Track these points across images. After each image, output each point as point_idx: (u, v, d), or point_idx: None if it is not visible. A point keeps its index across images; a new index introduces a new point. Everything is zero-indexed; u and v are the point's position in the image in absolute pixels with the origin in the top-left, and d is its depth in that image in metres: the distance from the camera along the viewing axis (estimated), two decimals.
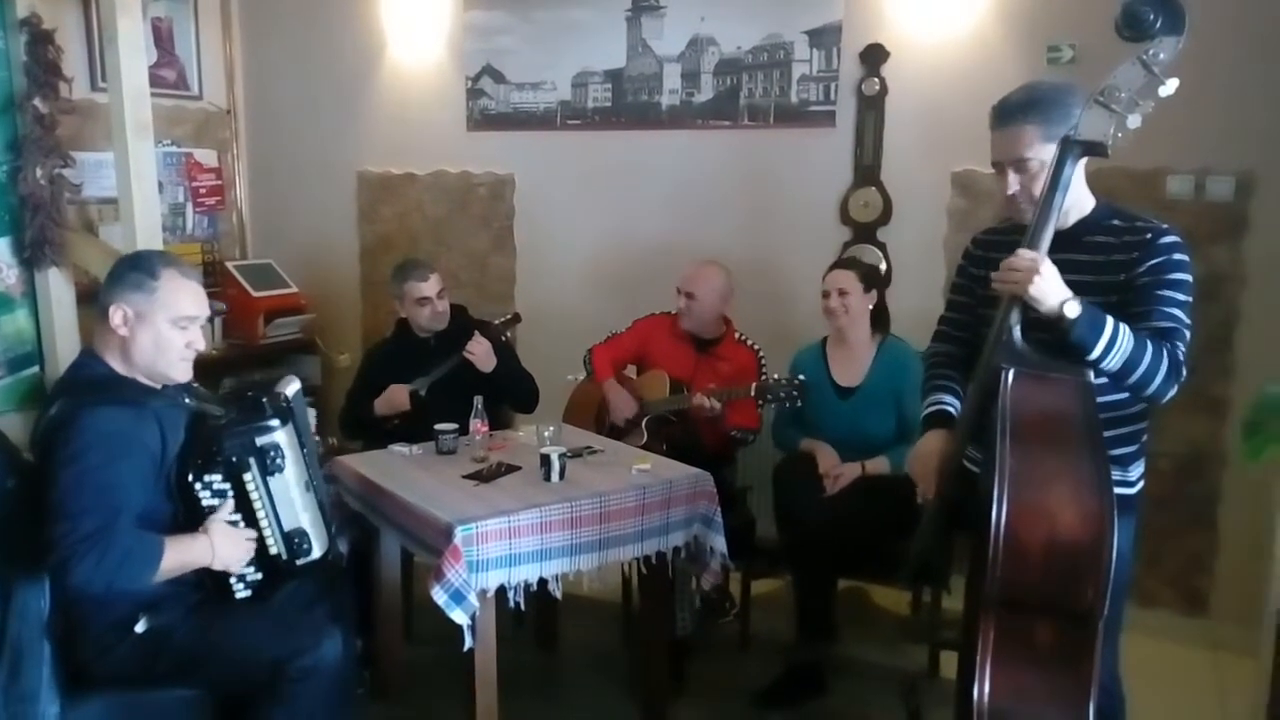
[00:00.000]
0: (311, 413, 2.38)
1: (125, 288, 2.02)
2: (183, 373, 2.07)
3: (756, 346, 3.34)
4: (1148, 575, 3.23)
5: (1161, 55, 1.63)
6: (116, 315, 2.00)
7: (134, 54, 2.98)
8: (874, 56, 3.49)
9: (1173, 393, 1.80)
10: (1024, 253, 1.74)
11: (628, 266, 3.99)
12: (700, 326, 3.31)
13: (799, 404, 3.00)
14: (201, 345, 2.09)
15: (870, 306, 3.07)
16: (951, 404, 2.08)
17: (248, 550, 2.06)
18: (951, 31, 3.35)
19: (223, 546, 2.01)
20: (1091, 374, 1.73)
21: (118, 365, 2.04)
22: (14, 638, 1.90)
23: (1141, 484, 1.98)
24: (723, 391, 3.09)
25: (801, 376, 3.03)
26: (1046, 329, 1.74)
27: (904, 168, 3.52)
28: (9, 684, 1.88)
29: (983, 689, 1.64)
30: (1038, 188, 1.85)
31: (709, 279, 3.28)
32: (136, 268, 2.05)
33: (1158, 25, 1.61)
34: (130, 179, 3.00)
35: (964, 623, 1.95)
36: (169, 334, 2.02)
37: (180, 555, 1.95)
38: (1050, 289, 1.70)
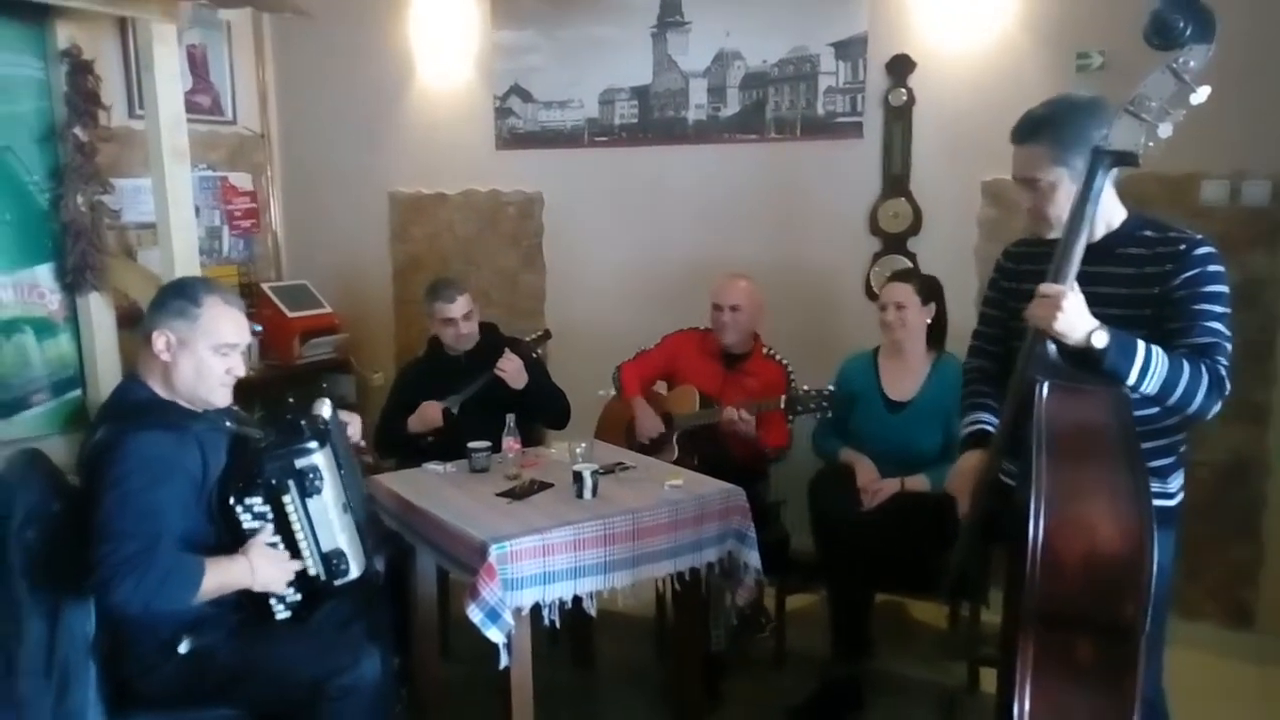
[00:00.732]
0: (355, 422, 2.40)
1: (169, 314, 2.06)
2: (223, 398, 2.11)
3: (785, 361, 3.33)
4: (1190, 587, 3.17)
5: (1192, 63, 1.61)
6: (159, 341, 2.04)
7: (170, 81, 3.05)
8: (900, 67, 3.48)
9: (1216, 409, 1.78)
10: (1048, 287, 1.72)
11: (657, 282, 4.00)
12: (740, 340, 3.31)
13: (829, 414, 2.98)
14: (242, 372, 2.12)
15: (928, 320, 3.02)
16: (990, 422, 2.06)
17: (287, 571, 2.09)
18: (978, 40, 3.34)
19: (263, 568, 2.04)
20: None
21: (160, 390, 2.08)
22: (62, 658, 1.93)
23: (1181, 495, 1.95)
24: (753, 405, 3.09)
25: (832, 387, 3.01)
26: (1081, 358, 1.72)
27: (933, 178, 3.50)
28: (57, 703, 1.91)
29: (1023, 706, 1.62)
30: (1050, 207, 1.85)
31: (749, 291, 3.29)
32: (180, 295, 2.09)
33: (1188, 33, 1.60)
34: (168, 204, 3.06)
35: (1003, 638, 1.93)
36: (210, 360, 2.06)
37: (220, 576, 1.98)
38: (1075, 323, 1.68)
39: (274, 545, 2.09)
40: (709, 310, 3.33)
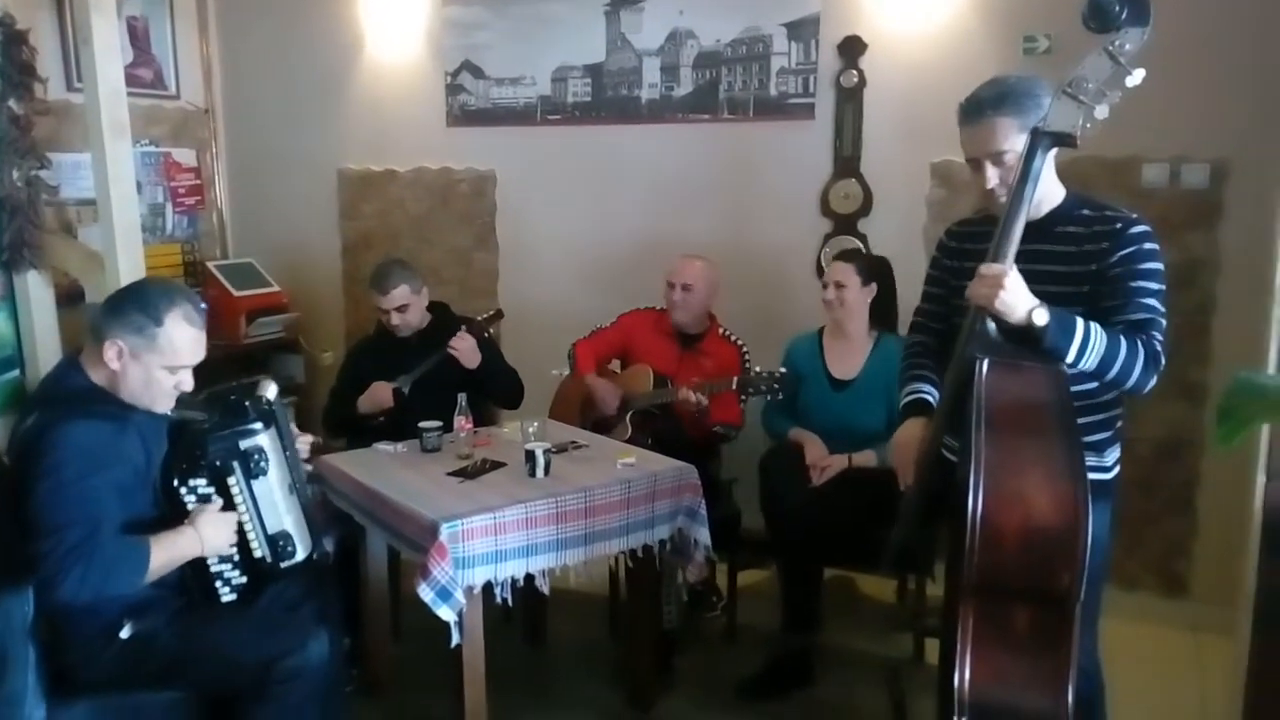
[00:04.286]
0: (305, 440, 2.37)
1: (126, 328, 1.97)
2: (165, 407, 2.05)
3: (740, 342, 3.35)
4: (1128, 559, 3.27)
5: (1127, 46, 1.64)
6: (111, 351, 1.97)
7: (109, 54, 2.97)
8: (852, 49, 3.50)
9: (1152, 383, 1.83)
10: (988, 267, 1.75)
11: (610, 261, 3.99)
12: (691, 320, 3.33)
13: (780, 396, 3.01)
14: (189, 386, 2.06)
15: (869, 300, 3.06)
16: (929, 392, 2.10)
17: (234, 532, 2.06)
18: (928, 23, 3.37)
19: (210, 534, 2.01)
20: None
21: (100, 382, 2.02)
22: None
23: (1118, 469, 2.01)
24: (706, 385, 3.11)
25: (784, 369, 3.04)
26: (1021, 338, 1.75)
27: (883, 159, 3.53)
28: None
29: (963, 675, 1.66)
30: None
31: (703, 271, 3.30)
32: (142, 309, 1.99)
33: (1123, 16, 1.62)
34: (108, 180, 2.99)
35: (944, 610, 1.97)
36: (160, 376, 2.00)
37: (169, 552, 1.95)
38: (1016, 301, 1.71)
39: (210, 506, 2.05)
40: (664, 289, 3.34)
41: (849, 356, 3.10)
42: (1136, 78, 1.63)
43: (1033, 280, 1.74)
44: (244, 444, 2.06)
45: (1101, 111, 1.65)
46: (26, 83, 2.97)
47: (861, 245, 3.57)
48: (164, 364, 2.00)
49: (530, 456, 2.61)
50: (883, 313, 3.11)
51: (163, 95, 4.44)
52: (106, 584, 1.84)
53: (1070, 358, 1.74)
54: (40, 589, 1.86)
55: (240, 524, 2.08)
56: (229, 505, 2.07)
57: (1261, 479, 2.33)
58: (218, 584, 2.08)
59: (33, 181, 3.01)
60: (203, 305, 2.15)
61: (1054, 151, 1.80)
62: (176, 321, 2.00)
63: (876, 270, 3.10)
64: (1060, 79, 1.72)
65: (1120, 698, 2.16)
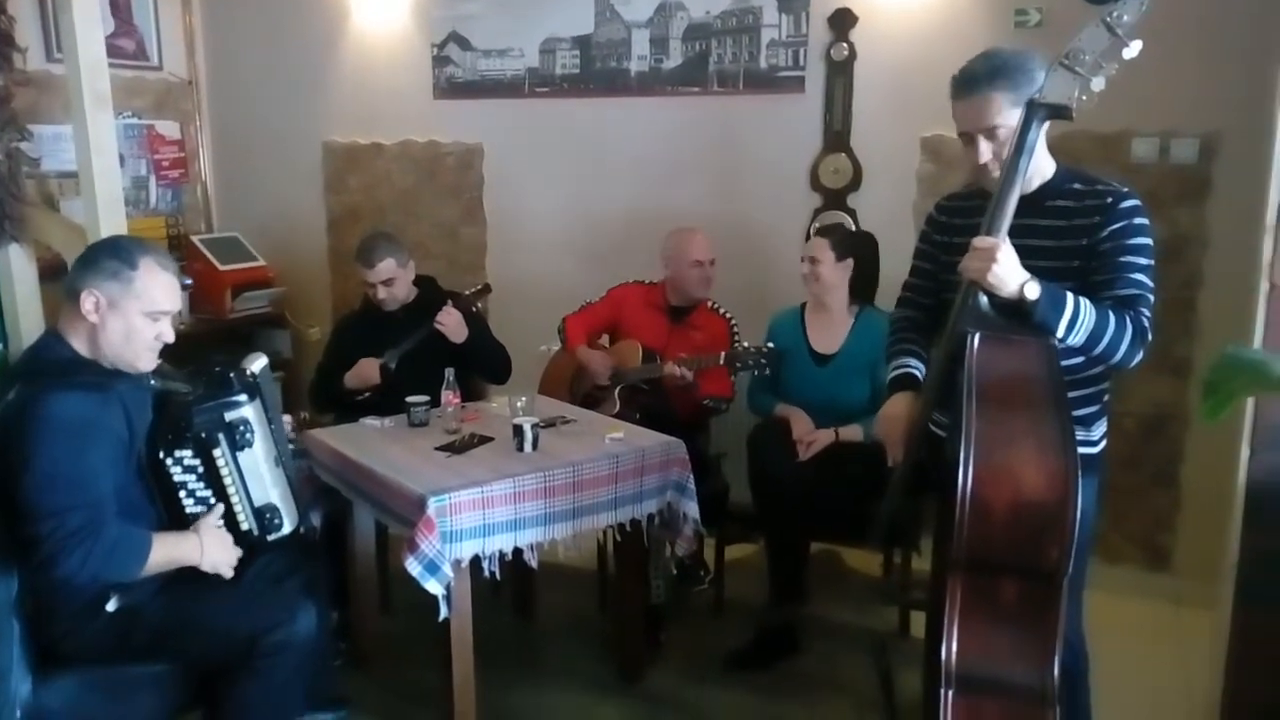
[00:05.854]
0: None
1: (100, 275, 1.96)
2: (149, 363, 2.03)
3: (729, 315, 3.35)
4: (1113, 533, 3.29)
5: (1125, 17, 1.63)
6: (88, 302, 1.95)
7: (90, 23, 2.91)
8: (842, 21, 3.47)
9: (1139, 358, 1.83)
10: (982, 240, 1.74)
11: (599, 235, 3.97)
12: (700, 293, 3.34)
13: (768, 371, 3.01)
14: (170, 338, 2.04)
15: (847, 275, 3.06)
16: (916, 367, 2.10)
17: (234, 556, 2.07)
18: None
19: (212, 548, 2.03)
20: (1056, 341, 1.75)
21: (82, 348, 2.00)
22: None
23: (1104, 443, 2.01)
24: (694, 360, 3.10)
25: (771, 344, 3.04)
26: (1012, 311, 1.75)
27: (873, 133, 3.52)
28: None
29: (950, 648, 1.67)
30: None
31: (708, 244, 3.32)
32: (114, 255, 1.98)
33: None
34: (90, 152, 2.94)
35: (931, 583, 1.98)
36: (140, 325, 1.98)
37: (169, 551, 1.96)
38: (1007, 275, 1.71)
39: (206, 501, 2.05)
40: (656, 264, 3.33)
41: (830, 331, 3.10)
42: (1134, 49, 1.62)
43: (1024, 254, 1.74)
44: (229, 415, 2.05)
45: (1098, 84, 1.64)
46: (5, 53, 2.92)
47: (851, 220, 3.56)
48: (142, 310, 1.97)
49: (518, 431, 2.60)
50: (864, 287, 3.11)
51: (145, 66, 4.38)
52: (105, 570, 1.85)
53: (1060, 333, 1.74)
54: (36, 570, 1.85)
55: (227, 496, 2.08)
56: (215, 477, 2.06)
57: (1245, 453, 2.35)
58: None
59: (13, 154, 2.97)
60: (187, 281, 2.13)
61: (1047, 124, 1.79)
62: (150, 266, 1.99)
63: (854, 245, 3.10)
64: (1053, 52, 1.71)
65: (1104, 670, 2.18)
